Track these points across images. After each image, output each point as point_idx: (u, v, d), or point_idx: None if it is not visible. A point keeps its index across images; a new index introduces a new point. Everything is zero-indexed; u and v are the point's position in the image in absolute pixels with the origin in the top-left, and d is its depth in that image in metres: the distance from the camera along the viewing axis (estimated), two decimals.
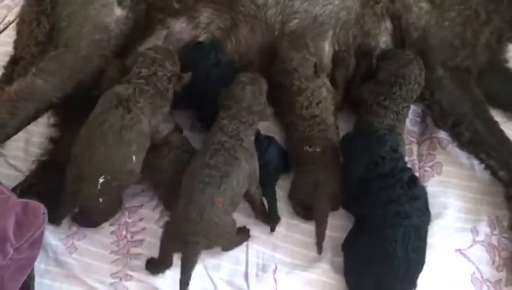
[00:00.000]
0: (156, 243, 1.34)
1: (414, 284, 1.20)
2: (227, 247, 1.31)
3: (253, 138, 1.33)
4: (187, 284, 1.18)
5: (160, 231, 1.36)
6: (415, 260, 1.18)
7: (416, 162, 1.46)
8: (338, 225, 1.35)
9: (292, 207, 1.38)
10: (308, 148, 1.37)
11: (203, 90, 1.43)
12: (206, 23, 1.49)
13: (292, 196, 1.38)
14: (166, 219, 1.36)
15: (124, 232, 1.40)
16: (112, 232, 1.40)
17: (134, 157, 1.29)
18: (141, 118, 1.29)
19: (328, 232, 1.30)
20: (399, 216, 1.19)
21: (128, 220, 1.41)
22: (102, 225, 1.40)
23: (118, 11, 1.44)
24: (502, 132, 1.38)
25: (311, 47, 1.45)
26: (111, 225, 1.41)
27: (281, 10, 1.46)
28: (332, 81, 1.49)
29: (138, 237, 1.39)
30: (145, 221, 1.41)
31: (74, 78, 1.40)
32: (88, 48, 1.41)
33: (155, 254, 1.32)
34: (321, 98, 1.42)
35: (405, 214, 1.19)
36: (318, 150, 1.36)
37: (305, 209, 1.36)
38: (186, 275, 1.18)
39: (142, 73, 1.34)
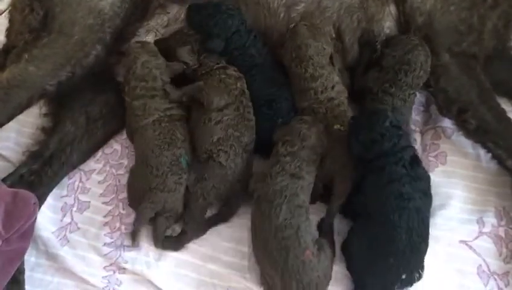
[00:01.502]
0: (149, 234, 1.32)
1: (421, 268, 1.17)
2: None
3: (314, 175, 1.27)
4: None
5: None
6: (419, 243, 1.15)
7: (419, 151, 1.42)
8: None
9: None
10: (339, 126, 1.33)
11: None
12: None
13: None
14: None
15: (117, 224, 1.36)
16: (105, 224, 1.37)
17: None
18: None
19: None
20: (402, 198, 1.15)
21: (122, 211, 1.38)
22: (94, 217, 1.37)
23: None
24: (509, 120, 1.34)
25: (328, 37, 1.42)
26: (104, 216, 1.38)
27: None
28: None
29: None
30: None
31: (68, 63, 1.36)
32: (82, 32, 1.37)
33: (149, 245, 1.30)
34: (334, 82, 1.39)
35: (408, 195, 1.16)
36: (343, 128, 1.33)
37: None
38: None
39: None
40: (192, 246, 1.31)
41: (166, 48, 1.46)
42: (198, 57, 1.43)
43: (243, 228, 1.31)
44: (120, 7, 1.40)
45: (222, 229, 1.33)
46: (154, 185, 1.28)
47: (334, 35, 1.46)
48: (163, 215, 1.29)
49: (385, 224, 1.15)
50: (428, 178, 1.24)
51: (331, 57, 1.41)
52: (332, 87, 1.38)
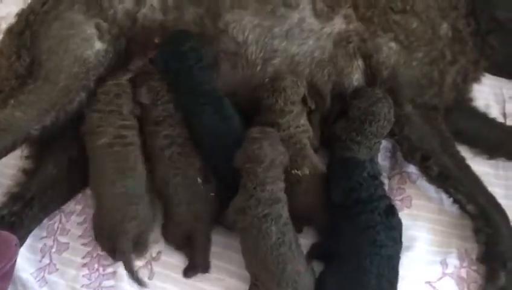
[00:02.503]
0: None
1: None
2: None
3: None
4: None
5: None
6: (388, 288, 1.20)
7: None
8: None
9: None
10: (296, 171, 1.38)
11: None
12: None
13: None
14: None
15: (96, 265, 1.39)
16: (84, 265, 1.39)
17: None
18: None
19: None
20: (375, 245, 1.21)
21: (100, 253, 1.40)
22: (73, 258, 1.39)
23: (98, 45, 1.48)
24: (468, 167, 1.43)
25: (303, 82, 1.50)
26: (83, 257, 1.40)
27: (261, 48, 1.50)
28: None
29: (110, 269, 1.37)
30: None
31: (53, 109, 1.42)
32: (67, 80, 1.43)
33: (127, 286, 1.33)
34: (300, 124, 1.45)
35: (381, 243, 1.21)
36: (306, 172, 1.38)
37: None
38: None
39: None
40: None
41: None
42: (155, 96, 1.49)
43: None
44: (104, 56, 1.48)
45: None
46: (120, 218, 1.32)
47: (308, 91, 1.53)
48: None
49: (357, 268, 1.20)
50: (401, 227, 1.30)
51: (304, 96, 1.48)
52: (296, 127, 1.44)
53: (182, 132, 1.46)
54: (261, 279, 1.25)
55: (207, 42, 1.50)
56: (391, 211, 1.27)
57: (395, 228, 1.26)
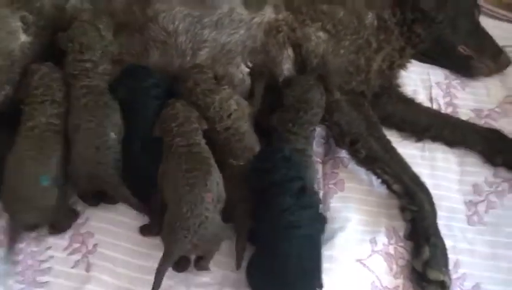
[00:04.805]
0: (65, 270, 1.35)
1: (319, 286, 1.25)
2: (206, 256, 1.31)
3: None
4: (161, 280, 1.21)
5: (69, 258, 1.36)
6: (311, 267, 1.23)
7: (321, 180, 1.55)
8: None
9: None
10: (232, 161, 1.40)
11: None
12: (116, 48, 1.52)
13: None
14: (75, 245, 1.37)
15: (30, 261, 1.36)
16: (17, 262, 1.37)
17: None
18: None
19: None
20: (291, 227, 1.24)
21: (35, 249, 1.39)
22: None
23: (23, 37, 1.46)
24: (394, 149, 1.50)
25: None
26: (16, 254, 1.38)
27: (191, 38, 1.52)
28: (251, 95, 1.55)
29: (45, 265, 1.36)
30: (53, 249, 1.39)
31: None
32: None
33: (63, 281, 1.32)
34: (231, 110, 1.46)
35: (297, 223, 1.24)
36: (241, 163, 1.39)
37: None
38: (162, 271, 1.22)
39: None
40: None
41: None
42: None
43: None
44: (30, 48, 1.46)
45: None
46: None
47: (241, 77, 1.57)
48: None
49: (277, 251, 1.23)
50: (317, 205, 1.34)
51: (215, 77, 1.50)
52: (229, 116, 1.45)
53: (100, 84, 1.46)
54: (167, 194, 1.30)
55: (136, 30, 1.50)
56: (302, 191, 1.30)
57: (310, 207, 1.30)
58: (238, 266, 1.30)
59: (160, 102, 1.47)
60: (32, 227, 1.39)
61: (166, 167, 1.36)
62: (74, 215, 1.43)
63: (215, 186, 1.30)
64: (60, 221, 1.40)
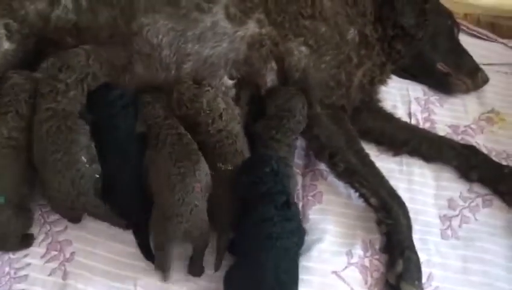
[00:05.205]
0: (42, 278, 1.35)
1: None
2: (198, 243, 1.33)
3: None
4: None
5: (46, 266, 1.36)
6: (286, 280, 1.24)
7: (300, 192, 1.57)
8: None
9: None
10: (221, 165, 1.40)
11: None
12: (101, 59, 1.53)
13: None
14: (53, 253, 1.37)
15: (7, 269, 1.36)
16: None
17: None
18: None
19: None
20: (271, 237, 1.26)
21: (12, 256, 1.38)
22: None
23: (7, 45, 1.47)
24: (372, 163, 1.53)
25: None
26: None
27: (175, 51, 1.53)
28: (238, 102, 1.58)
29: (22, 272, 1.36)
30: (30, 257, 1.39)
31: None
32: None
33: (39, 289, 1.32)
34: (221, 109, 1.47)
35: (277, 235, 1.26)
36: (230, 167, 1.40)
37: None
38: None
39: None
40: None
41: None
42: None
43: None
44: (13, 56, 1.48)
45: None
46: None
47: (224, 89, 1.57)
48: None
49: (255, 261, 1.24)
50: (298, 219, 1.36)
51: (193, 81, 1.51)
52: (220, 116, 1.46)
53: (67, 109, 1.39)
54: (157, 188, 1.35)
55: (120, 43, 1.51)
56: (287, 204, 1.32)
57: (291, 220, 1.31)
58: (217, 266, 1.33)
59: (129, 110, 1.49)
60: None
61: (155, 157, 1.40)
62: (27, 242, 1.39)
63: (203, 177, 1.35)
64: (4, 247, 1.37)
